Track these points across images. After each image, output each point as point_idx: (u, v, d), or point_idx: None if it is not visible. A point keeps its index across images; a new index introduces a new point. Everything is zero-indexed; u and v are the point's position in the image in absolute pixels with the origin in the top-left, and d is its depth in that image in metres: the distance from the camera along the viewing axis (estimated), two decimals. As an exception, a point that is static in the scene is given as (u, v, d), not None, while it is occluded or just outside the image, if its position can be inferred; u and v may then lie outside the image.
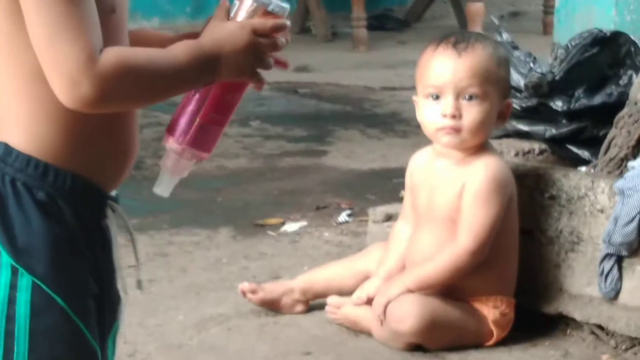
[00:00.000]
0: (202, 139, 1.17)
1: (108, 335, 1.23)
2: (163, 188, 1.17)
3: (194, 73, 1.12)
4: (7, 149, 1.11)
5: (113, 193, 1.23)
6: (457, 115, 2.11)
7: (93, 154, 1.17)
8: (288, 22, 1.19)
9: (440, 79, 2.14)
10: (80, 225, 1.16)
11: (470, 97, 2.13)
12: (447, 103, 2.11)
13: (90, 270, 1.18)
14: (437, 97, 2.13)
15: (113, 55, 1.07)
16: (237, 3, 1.19)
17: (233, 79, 1.16)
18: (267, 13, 1.13)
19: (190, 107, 1.16)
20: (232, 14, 1.18)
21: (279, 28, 1.14)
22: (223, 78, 1.15)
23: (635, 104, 2.35)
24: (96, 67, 1.06)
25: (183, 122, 1.15)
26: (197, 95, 1.16)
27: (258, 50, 1.13)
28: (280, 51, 1.17)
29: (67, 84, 1.07)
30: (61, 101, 1.07)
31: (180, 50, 1.11)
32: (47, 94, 1.09)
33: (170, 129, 1.14)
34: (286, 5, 1.17)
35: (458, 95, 2.13)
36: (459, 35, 2.23)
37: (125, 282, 1.21)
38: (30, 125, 1.13)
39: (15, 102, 1.14)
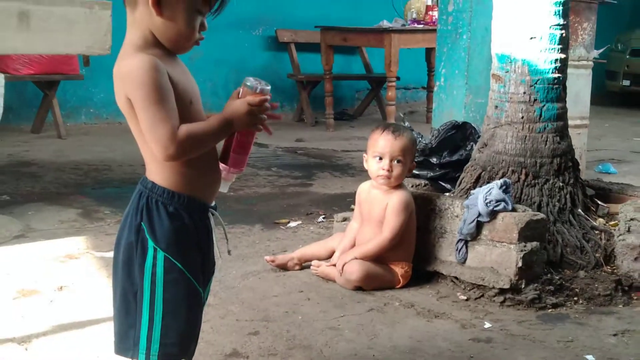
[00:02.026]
0: (235, 162, 1.67)
1: (207, 283, 1.73)
2: (223, 189, 1.71)
3: (222, 131, 1.59)
4: (153, 184, 1.62)
5: (213, 204, 1.71)
6: (389, 170, 2.86)
7: (197, 183, 1.63)
8: (269, 96, 1.59)
9: (383, 149, 2.86)
10: (193, 223, 1.63)
11: (398, 161, 2.87)
12: (385, 163, 2.86)
13: (198, 247, 1.65)
14: (380, 159, 2.87)
15: (184, 130, 1.53)
16: (241, 89, 1.61)
17: (243, 129, 1.60)
18: (257, 93, 1.59)
19: (229, 148, 1.66)
20: (240, 95, 1.61)
21: (263, 100, 1.58)
22: (238, 129, 1.60)
23: (474, 160, 3.15)
24: (176, 138, 1.51)
25: (227, 155, 1.66)
26: (226, 142, 1.65)
27: (252, 113, 1.58)
28: (267, 112, 1.59)
29: (162, 150, 1.53)
30: (160, 159, 1.55)
31: (214, 120, 1.59)
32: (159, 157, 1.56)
33: (222, 158, 1.68)
34: (268, 87, 1.60)
35: (391, 160, 2.86)
36: (395, 126, 2.96)
37: (216, 253, 1.71)
38: (161, 170, 1.62)
39: (151, 159, 1.63)
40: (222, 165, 1.67)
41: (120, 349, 1.69)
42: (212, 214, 1.69)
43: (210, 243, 1.69)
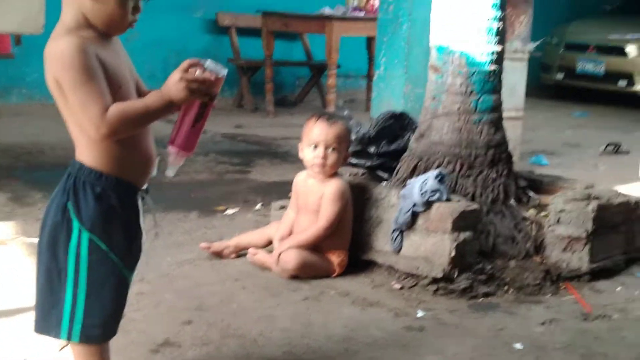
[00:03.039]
0: (181, 143, 1.65)
1: (134, 266, 1.74)
2: (170, 172, 1.68)
3: (157, 106, 1.58)
4: (81, 165, 1.64)
5: (145, 186, 1.71)
6: (324, 158, 2.87)
7: (126, 164, 1.64)
8: (220, 78, 1.59)
9: (317, 137, 2.87)
10: (120, 204, 1.64)
11: (333, 149, 2.88)
12: (320, 151, 2.87)
13: (125, 229, 1.66)
14: (315, 147, 2.88)
15: (115, 109, 1.54)
16: (197, 70, 1.60)
17: (179, 100, 1.56)
18: (211, 75, 1.60)
19: (176, 130, 1.65)
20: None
21: (204, 80, 1.58)
22: (175, 100, 1.56)
23: (411, 150, 3.17)
24: (106, 117, 1.53)
25: (177, 139, 1.65)
26: (177, 124, 1.63)
27: (185, 81, 1.57)
28: (202, 85, 1.56)
29: (93, 128, 1.55)
30: (92, 138, 1.57)
31: (149, 96, 1.61)
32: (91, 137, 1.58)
33: (170, 141, 1.66)
34: (223, 71, 1.61)
35: (326, 148, 2.88)
36: (329, 114, 3.02)
37: (144, 238, 1.72)
38: (89, 151, 1.63)
39: (80, 140, 1.64)
40: (170, 148, 1.65)
41: (41, 327, 1.71)
42: (143, 197, 1.71)
43: (139, 226, 1.70)
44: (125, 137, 1.60)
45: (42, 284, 1.70)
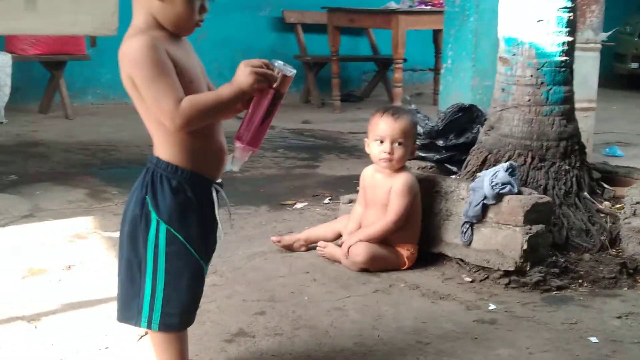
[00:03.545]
0: (249, 138, 1.68)
1: (210, 258, 1.80)
2: (235, 167, 1.72)
3: (228, 97, 1.62)
4: (158, 159, 1.69)
5: (219, 180, 1.75)
6: (391, 153, 2.86)
7: (200, 157, 1.69)
8: (290, 76, 1.64)
9: (383, 132, 2.87)
10: (196, 197, 1.69)
11: (399, 144, 2.87)
12: (386, 146, 2.86)
13: (200, 221, 1.70)
14: (381, 142, 2.88)
15: (188, 101, 1.59)
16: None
17: (247, 86, 1.60)
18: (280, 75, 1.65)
19: (244, 125, 1.68)
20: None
21: (266, 67, 1.64)
22: (244, 88, 1.60)
23: (480, 142, 3.15)
24: (180, 108, 1.58)
25: (245, 134, 1.68)
26: (245, 119, 1.67)
27: (250, 72, 1.62)
28: (267, 78, 1.61)
29: (169, 120, 1.60)
30: (169, 129, 1.61)
31: (220, 88, 1.65)
32: (167, 129, 1.63)
33: (237, 137, 1.69)
34: (292, 71, 1.65)
35: (392, 142, 2.86)
36: (394, 108, 2.97)
37: (220, 230, 1.76)
38: (165, 146, 1.68)
39: (156, 135, 1.70)
40: (236, 143, 1.68)
41: (123, 317, 1.77)
42: (217, 191, 1.73)
43: (214, 218, 1.73)
44: (200, 128, 1.64)
45: (123, 275, 1.76)
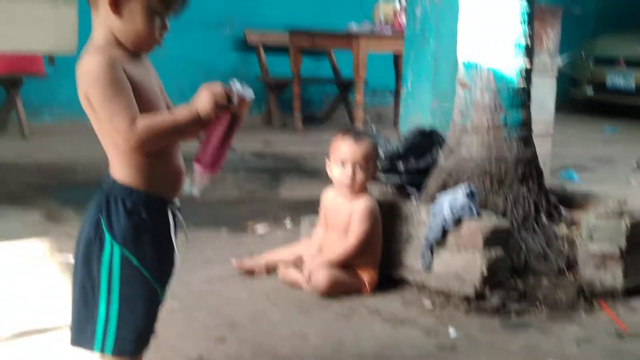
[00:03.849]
0: (207, 162, 1.66)
1: (167, 281, 1.74)
2: (196, 191, 1.70)
3: (185, 119, 1.60)
4: (113, 180, 1.65)
5: (176, 202, 1.71)
6: (352, 177, 2.88)
7: (155, 178, 1.65)
8: (247, 100, 1.62)
9: (345, 155, 2.88)
10: (151, 219, 1.65)
11: (360, 167, 2.88)
12: (348, 169, 2.87)
13: (156, 244, 1.66)
14: (342, 165, 2.89)
15: (143, 121, 1.57)
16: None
17: (206, 113, 1.58)
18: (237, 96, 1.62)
19: (203, 148, 1.66)
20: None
21: (229, 94, 1.61)
22: (202, 114, 1.58)
23: (440, 166, 3.17)
24: (134, 128, 1.55)
25: (204, 157, 1.66)
26: (204, 142, 1.65)
27: (210, 99, 1.60)
28: (227, 104, 1.59)
29: (123, 140, 1.57)
30: (124, 150, 1.58)
31: (179, 112, 1.62)
32: (122, 149, 1.59)
33: (197, 159, 1.67)
34: (249, 93, 1.63)
35: (354, 166, 2.88)
36: (356, 132, 3.00)
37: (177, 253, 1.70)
38: (120, 166, 1.65)
39: (112, 156, 1.66)
40: (196, 167, 1.67)
41: (76, 340, 1.73)
42: (174, 213, 1.71)
43: (170, 241, 1.71)
44: (154, 150, 1.63)
45: (77, 298, 1.72)
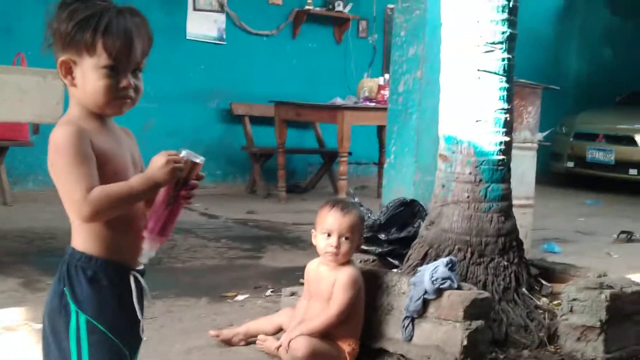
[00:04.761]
0: (156, 228, 1.63)
1: (137, 348, 1.71)
2: (144, 259, 1.67)
3: (140, 187, 1.58)
4: (73, 250, 1.65)
5: (140, 267, 1.68)
6: (337, 247, 2.84)
7: (114, 245, 1.64)
8: (182, 165, 1.59)
9: (331, 226, 2.85)
10: (113, 286, 1.64)
11: (346, 238, 2.85)
12: (333, 240, 2.83)
13: (121, 310, 1.64)
14: (328, 235, 2.86)
15: (98, 190, 1.55)
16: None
17: (164, 182, 1.57)
18: (189, 162, 1.61)
19: (152, 218, 1.64)
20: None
21: (181, 162, 1.60)
22: (160, 182, 1.57)
23: (421, 237, 3.20)
24: (88, 198, 1.54)
25: (151, 224, 1.64)
26: (152, 210, 1.63)
27: (168, 166, 1.58)
28: (183, 172, 1.59)
29: (76, 211, 1.57)
30: (77, 220, 1.58)
31: (133, 178, 1.61)
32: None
33: (145, 227, 1.64)
34: (199, 159, 1.62)
35: (339, 237, 2.85)
36: (343, 203, 2.96)
37: (144, 324, 1.67)
38: (80, 235, 1.65)
39: (72, 225, 1.65)
40: (144, 234, 1.65)
41: None
42: (137, 279, 1.69)
43: (133, 308, 1.69)
44: (110, 218, 1.61)
45: None
